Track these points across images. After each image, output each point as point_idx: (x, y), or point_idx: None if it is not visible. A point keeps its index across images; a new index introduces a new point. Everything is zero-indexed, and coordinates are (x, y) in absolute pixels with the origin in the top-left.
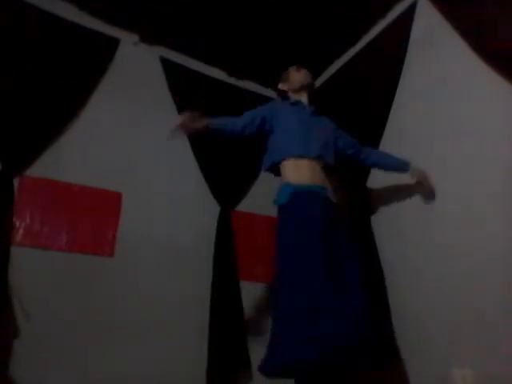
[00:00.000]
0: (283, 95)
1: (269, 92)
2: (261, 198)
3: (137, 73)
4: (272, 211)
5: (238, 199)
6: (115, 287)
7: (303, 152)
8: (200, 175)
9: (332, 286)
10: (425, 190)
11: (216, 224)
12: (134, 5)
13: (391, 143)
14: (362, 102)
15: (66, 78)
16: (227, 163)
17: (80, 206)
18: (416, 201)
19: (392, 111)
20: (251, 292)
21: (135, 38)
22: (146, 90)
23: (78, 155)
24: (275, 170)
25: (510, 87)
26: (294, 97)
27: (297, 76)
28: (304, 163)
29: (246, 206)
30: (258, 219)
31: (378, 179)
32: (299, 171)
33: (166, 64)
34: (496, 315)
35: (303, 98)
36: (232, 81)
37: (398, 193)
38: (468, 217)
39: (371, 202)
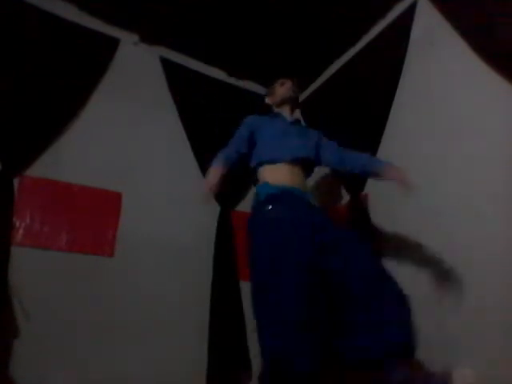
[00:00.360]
0: (269, 108)
1: None
2: None
3: (137, 73)
4: None
5: (238, 199)
6: (115, 287)
7: (278, 156)
8: (200, 175)
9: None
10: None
11: (216, 224)
12: (133, 5)
13: (391, 143)
14: (362, 102)
15: (66, 77)
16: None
17: (80, 206)
18: (416, 201)
19: (392, 111)
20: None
21: (135, 38)
22: (145, 89)
23: (78, 155)
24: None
25: (510, 87)
26: (276, 110)
27: (280, 90)
28: (281, 167)
29: (246, 206)
30: None
31: (376, 182)
32: (276, 174)
33: (166, 64)
34: (496, 315)
35: (285, 110)
36: (232, 81)
37: (397, 194)
38: (468, 217)
39: (371, 202)
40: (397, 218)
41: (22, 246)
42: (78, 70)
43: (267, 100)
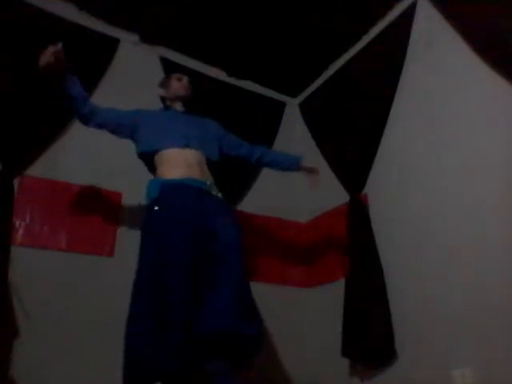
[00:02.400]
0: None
1: (269, 92)
2: (261, 198)
3: (137, 73)
4: (272, 211)
5: (238, 199)
6: (115, 287)
7: (170, 144)
8: None
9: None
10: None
11: None
12: (133, 5)
13: (391, 143)
14: (361, 102)
15: None
16: (226, 163)
17: (80, 206)
18: (416, 201)
19: (392, 111)
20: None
21: (135, 38)
22: (146, 90)
23: (78, 155)
24: (148, 161)
25: (510, 87)
26: (169, 104)
27: (175, 85)
28: (175, 155)
29: (245, 205)
30: (258, 219)
31: (377, 181)
32: (170, 164)
33: (166, 64)
34: (496, 315)
35: (177, 107)
36: (232, 81)
37: (398, 194)
38: (468, 217)
39: (371, 203)
40: (397, 218)
41: (21, 246)
42: (78, 70)
43: (159, 92)
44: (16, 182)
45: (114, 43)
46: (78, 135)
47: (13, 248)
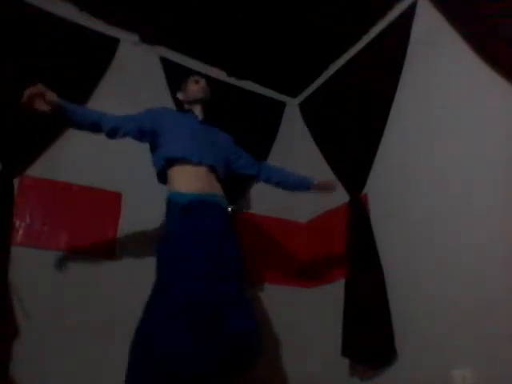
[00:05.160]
0: (180, 104)
1: (269, 92)
2: (261, 198)
3: (137, 73)
4: (272, 211)
5: (237, 199)
6: (115, 287)
7: (189, 157)
8: None
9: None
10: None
11: None
12: (133, 5)
13: (391, 143)
14: (361, 103)
15: (66, 77)
16: None
17: (80, 206)
18: (415, 201)
19: (392, 111)
20: (250, 292)
21: (135, 38)
22: (146, 90)
23: (78, 155)
24: (162, 175)
25: (510, 87)
26: (188, 107)
27: (193, 88)
28: (192, 170)
29: (246, 206)
30: (258, 219)
31: (377, 181)
32: (187, 179)
33: (166, 64)
34: (496, 315)
35: (196, 110)
36: (232, 81)
37: (398, 194)
38: (468, 217)
39: (371, 203)
40: (397, 218)
41: (21, 246)
42: (78, 69)
43: (178, 95)
44: (16, 181)
45: (113, 43)
46: (78, 135)
47: (13, 248)
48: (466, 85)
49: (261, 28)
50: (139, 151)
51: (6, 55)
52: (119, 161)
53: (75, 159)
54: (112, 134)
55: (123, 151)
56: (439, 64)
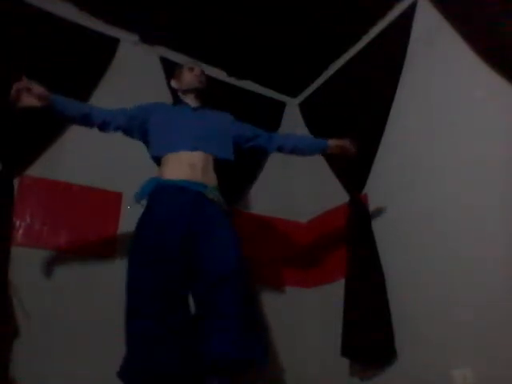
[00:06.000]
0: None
1: (269, 92)
2: (261, 198)
3: (137, 73)
4: (272, 211)
5: (238, 199)
6: (115, 287)
7: (179, 145)
8: None
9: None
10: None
11: None
12: (133, 5)
13: (391, 143)
14: (361, 102)
15: (66, 77)
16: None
17: (80, 206)
18: (415, 201)
19: (392, 111)
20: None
21: (135, 38)
22: (146, 90)
23: (78, 155)
24: (159, 164)
25: (510, 87)
26: (182, 96)
27: (188, 76)
28: (181, 158)
29: (245, 205)
30: (258, 219)
31: (377, 181)
32: (174, 165)
33: (166, 64)
34: (496, 315)
35: (189, 99)
36: (232, 81)
37: (398, 194)
38: (468, 217)
39: (371, 203)
40: (396, 218)
41: (21, 246)
42: (78, 69)
43: (172, 83)
44: (16, 182)
45: (114, 43)
46: (77, 135)
47: (13, 248)
48: (466, 85)
49: (261, 28)
50: (139, 151)
51: (6, 55)
52: (119, 161)
53: (75, 159)
54: (103, 127)
55: (123, 151)
56: (439, 64)
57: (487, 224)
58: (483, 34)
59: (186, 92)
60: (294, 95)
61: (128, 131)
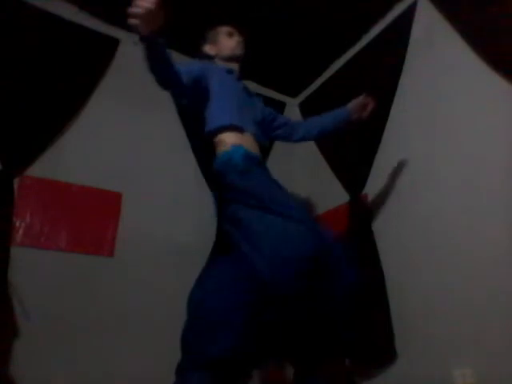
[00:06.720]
0: (207, 58)
1: (269, 92)
2: None
3: (137, 73)
4: None
5: None
6: (115, 287)
7: (242, 125)
8: (200, 175)
9: None
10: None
11: (216, 224)
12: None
13: (391, 143)
14: None
15: (66, 78)
16: None
17: (80, 206)
18: (415, 201)
19: (392, 111)
20: None
21: (135, 38)
22: (146, 90)
23: (78, 155)
24: (206, 147)
25: (510, 87)
26: (224, 64)
27: (229, 42)
28: (244, 137)
29: None
30: None
31: (377, 181)
32: (242, 138)
33: None
34: (496, 315)
35: (233, 67)
36: None
37: (398, 194)
38: (468, 217)
39: (371, 202)
40: (397, 218)
41: (21, 246)
42: (78, 69)
43: (208, 49)
44: (16, 182)
45: (114, 43)
46: (77, 135)
47: (13, 248)
48: (465, 84)
49: (261, 28)
50: (139, 151)
51: (5, 55)
52: (119, 161)
53: (75, 159)
54: (172, 81)
55: (123, 151)
56: (439, 64)
57: (487, 224)
58: (483, 33)
59: (228, 59)
60: (294, 95)
61: (183, 94)
